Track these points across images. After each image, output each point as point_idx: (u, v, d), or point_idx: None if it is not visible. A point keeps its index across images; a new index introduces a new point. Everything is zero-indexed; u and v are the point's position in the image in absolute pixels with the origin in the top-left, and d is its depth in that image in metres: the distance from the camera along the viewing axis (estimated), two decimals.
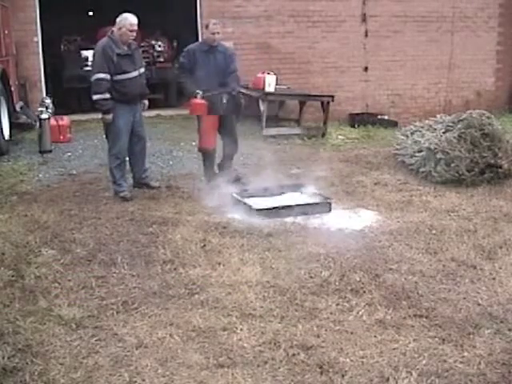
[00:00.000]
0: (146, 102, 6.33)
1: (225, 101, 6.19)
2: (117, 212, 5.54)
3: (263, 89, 9.28)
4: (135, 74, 5.96)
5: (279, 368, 3.01)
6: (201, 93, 6.07)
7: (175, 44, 12.44)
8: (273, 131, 9.30)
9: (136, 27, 5.90)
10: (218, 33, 6.35)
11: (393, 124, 10.39)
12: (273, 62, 10.50)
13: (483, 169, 6.64)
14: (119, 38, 5.85)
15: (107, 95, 5.79)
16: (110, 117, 5.86)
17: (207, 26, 6.33)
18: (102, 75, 5.75)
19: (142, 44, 12.77)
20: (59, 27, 11.79)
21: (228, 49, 6.69)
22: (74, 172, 7.03)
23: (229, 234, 4.93)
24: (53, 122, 8.09)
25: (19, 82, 9.28)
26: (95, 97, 5.82)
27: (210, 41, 6.32)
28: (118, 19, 5.89)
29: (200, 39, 9.93)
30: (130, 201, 5.90)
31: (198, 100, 6.08)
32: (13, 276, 4.06)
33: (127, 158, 6.25)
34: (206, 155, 6.46)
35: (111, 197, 6.03)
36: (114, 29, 5.89)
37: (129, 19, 5.85)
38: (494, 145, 6.74)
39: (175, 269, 4.22)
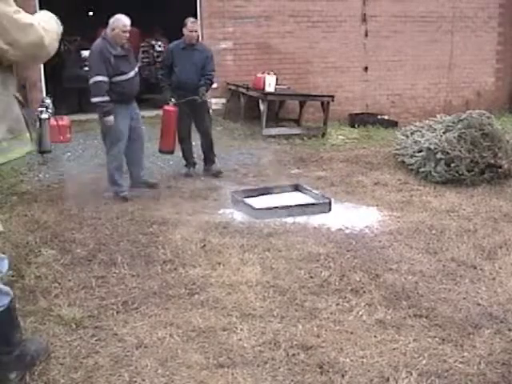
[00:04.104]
0: None
1: (199, 101, 6.64)
2: (117, 212, 5.54)
3: (263, 89, 9.28)
4: (132, 74, 6.01)
5: (279, 368, 3.00)
6: (173, 100, 6.59)
7: None
8: (273, 131, 9.29)
9: (129, 28, 5.93)
10: (196, 31, 6.76)
11: (393, 124, 10.38)
12: (273, 61, 10.49)
13: (483, 169, 6.64)
14: (113, 39, 5.86)
15: (107, 97, 5.80)
16: (111, 118, 5.86)
17: (185, 25, 6.65)
18: (100, 78, 5.77)
19: (142, 44, 12.81)
20: None
21: (207, 49, 6.99)
22: (74, 172, 7.04)
23: (229, 234, 4.93)
24: (53, 122, 8.08)
25: (19, 82, 9.27)
26: (95, 99, 5.83)
27: (188, 39, 6.67)
28: (110, 20, 5.93)
29: (200, 39, 10.00)
30: (130, 201, 5.91)
31: (169, 107, 6.60)
32: (13, 276, 4.05)
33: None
34: (183, 147, 6.92)
35: (111, 197, 6.04)
36: (107, 30, 5.91)
37: (122, 20, 5.87)
38: (494, 145, 6.74)
39: (175, 269, 4.22)
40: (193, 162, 7.05)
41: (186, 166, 7.04)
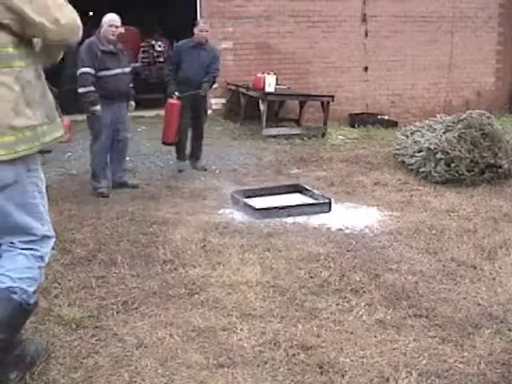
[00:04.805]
0: (133, 103, 6.44)
1: (202, 94, 6.96)
2: (117, 212, 5.54)
3: (263, 89, 9.28)
4: (118, 71, 6.10)
5: (279, 368, 3.00)
6: (177, 93, 6.78)
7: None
8: (273, 131, 9.30)
9: (117, 23, 6.09)
10: (207, 31, 7.09)
11: (393, 124, 10.38)
12: (273, 62, 10.50)
13: (483, 169, 6.64)
14: (103, 35, 6.05)
15: (92, 88, 5.95)
16: (98, 108, 5.98)
17: (197, 25, 7.03)
18: (86, 69, 5.95)
19: (142, 44, 12.82)
20: None
21: (214, 50, 7.34)
22: (74, 172, 7.04)
23: (229, 234, 4.93)
24: None
25: None
26: (81, 90, 6.01)
27: (198, 38, 6.97)
28: (102, 20, 6.12)
29: None
30: (107, 197, 6.01)
31: (172, 100, 6.81)
32: None
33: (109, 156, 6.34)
34: (179, 139, 7.06)
35: (111, 196, 6.04)
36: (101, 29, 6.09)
37: (108, 16, 6.11)
38: (493, 145, 6.74)
39: (175, 269, 4.22)
40: (184, 155, 7.26)
41: (177, 158, 7.26)
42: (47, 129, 2.65)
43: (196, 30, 6.98)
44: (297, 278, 4.08)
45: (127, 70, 6.27)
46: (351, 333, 3.35)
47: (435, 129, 7.31)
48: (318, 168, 7.49)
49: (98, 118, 6.03)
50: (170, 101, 6.87)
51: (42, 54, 2.70)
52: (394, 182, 6.81)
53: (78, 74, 6.02)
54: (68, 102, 11.25)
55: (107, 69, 6.01)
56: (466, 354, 3.15)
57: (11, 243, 2.72)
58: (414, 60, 11.47)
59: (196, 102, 7.00)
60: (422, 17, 11.39)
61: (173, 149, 7.37)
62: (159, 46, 12.30)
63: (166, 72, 7.22)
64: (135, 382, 2.90)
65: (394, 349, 3.19)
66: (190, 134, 7.29)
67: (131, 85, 6.40)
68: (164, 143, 7.14)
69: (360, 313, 3.58)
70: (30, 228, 2.72)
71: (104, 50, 5.99)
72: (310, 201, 5.83)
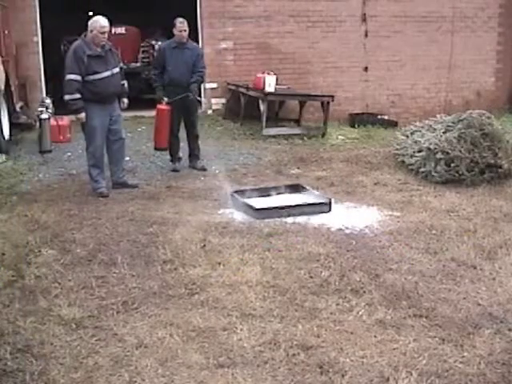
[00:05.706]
0: (126, 100, 6.44)
1: (191, 97, 6.92)
2: (117, 212, 5.54)
3: (263, 89, 9.28)
4: (107, 74, 6.06)
5: (279, 368, 3.00)
6: (166, 99, 6.85)
7: None
8: (273, 131, 9.29)
9: (107, 29, 6.05)
10: (185, 30, 7.02)
11: (393, 124, 10.38)
12: (273, 62, 10.50)
13: (483, 169, 6.64)
14: (92, 40, 5.99)
15: (77, 95, 5.92)
16: (82, 116, 6.01)
17: (175, 25, 6.99)
18: (72, 76, 5.90)
19: (142, 44, 12.81)
20: (59, 27, 11.79)
21: (197, 48, 7.41)
22: (74, 172, 7.03)
23: (229, 234, 4.93)
24: (53, 122, 8.09)
25: (19, 81, 9.28)
26: (66, 97, 5.98)
27: (178, 38, 7.01)
28: (89, 22, 6.05)
29: (200, 39, 10.03)
30: (107, 197, 6.01)
31: (162, 106, 6.88)
32: (13, 276, 4.05)
33: (106, 156, 6.35)
34: (171, 142, 7.08)
35: (111, 196, 6.04)
36: (88, 32, 6.02)
37: (99, 22, 6.01)
38: (493, 145, 6.74)
39: (175, 269, 4.22)
40: (178, 157, 7.28)
41: (171, 161, 7.28)
42: None
43: (175, 31, 6.99)
44: (297, 278, 4.08)
45: (116, 70, 6.18)
46: (351, 333, 3.35)
47: (435, 129, 7.31)
48: (318, 168, 7.49)
49: (90, 121, 6.03)
50: (160, 106, 6.91)
51: None
52: (394, 181, 6.81)
53: (64, 80, 5.97)
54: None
55: (95, 73, 5.96)
56: (466, 353, 3.15)
57: None
58: (414, 60, 11.46)
59: (186, 104, 6.97)
60: (422, 17, 11.38)
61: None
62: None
63: (153, 77, 7.23)
64: (135, 382, 2.90)
65: (394, 349, 3.19)
66: (185, 136, 7.29)
67: (123, 82, 6.36)
68: (156, 149, 7.22)
69: (360, 313, 3.59)
70: None
71: (91, 54, 5.93)
72: (310, 201, 5.83)
